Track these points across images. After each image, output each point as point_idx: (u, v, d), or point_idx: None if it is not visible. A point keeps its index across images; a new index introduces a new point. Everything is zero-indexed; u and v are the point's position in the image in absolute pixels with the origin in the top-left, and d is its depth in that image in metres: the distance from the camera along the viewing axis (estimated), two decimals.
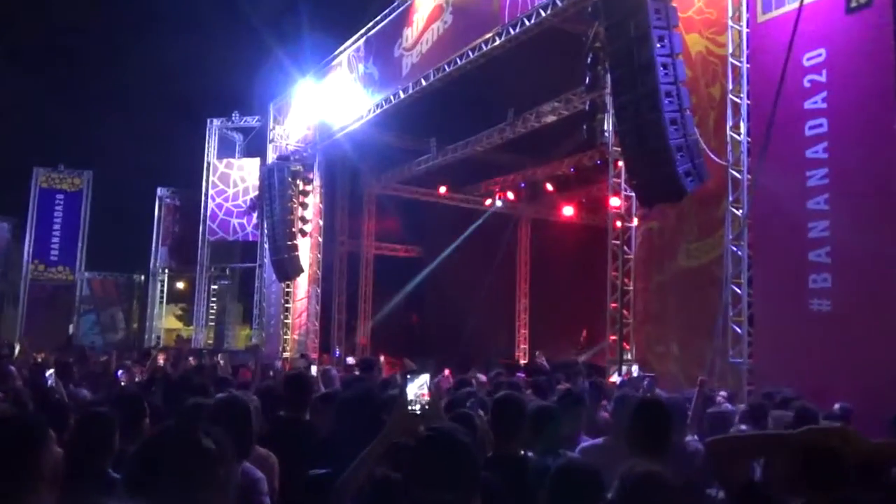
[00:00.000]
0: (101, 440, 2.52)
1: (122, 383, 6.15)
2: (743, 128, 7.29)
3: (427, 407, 1.97)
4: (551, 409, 2.95)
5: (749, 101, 7.21)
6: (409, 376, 2.01)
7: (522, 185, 14.61)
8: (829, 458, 1.61)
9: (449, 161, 13.48)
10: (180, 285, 19.61)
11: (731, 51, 7.45)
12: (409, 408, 1.96)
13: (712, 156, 7.36)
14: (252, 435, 2.62)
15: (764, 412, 4.13)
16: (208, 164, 17.14)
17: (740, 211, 7.17)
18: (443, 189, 15.55)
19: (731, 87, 7.40)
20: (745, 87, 7.28)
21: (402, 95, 11.70)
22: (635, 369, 7.82)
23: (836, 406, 4.64)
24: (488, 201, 15.56)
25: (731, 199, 7.26)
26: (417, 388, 1.98)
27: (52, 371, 5.15)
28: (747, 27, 7.29)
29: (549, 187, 14.08)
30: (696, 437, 3.54)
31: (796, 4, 6.37)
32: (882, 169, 5.95)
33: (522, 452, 2.62)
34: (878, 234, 5.88)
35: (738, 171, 7.27)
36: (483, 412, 3.24)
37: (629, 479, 1.74)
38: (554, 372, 7.60)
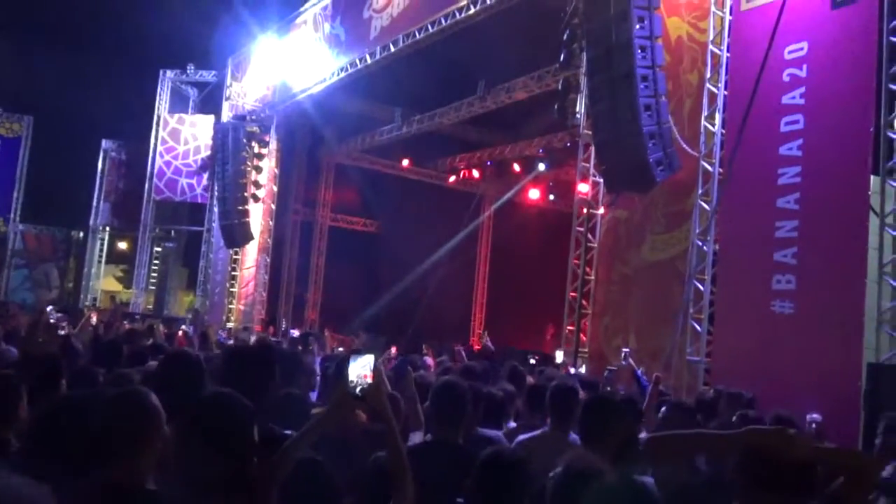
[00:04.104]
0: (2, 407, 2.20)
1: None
2: (718, 119, 7.05)
3: (367, 390, 1.79)
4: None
5: (726, 92, 6.96)
6: (352, 356, 1.85)
7: (489, 163, 14.19)
8: (765, 460, 1.54)
9: (414, 133, 12.98)
10: (122, 245, 18.54)
11: (711, 38, 7.18)
12: (350, 390, 1.79)
13: (685, 146, 7.12)
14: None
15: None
16: (159, 117, 16.09)
17: (709, 205, 6.96)
18: (406, 162, 15.00)
19: (708, 75, 7.14)
20: (723, 77, 7.03)
21: (368, 60, 11.12)
22: (559, 355, 7.71)
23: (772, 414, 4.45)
24: (452, 178, 15.09)
25: (700, 191, 7.04)
26: (360, 369, 1.80)
27: None
28: (730, 14, 7.01)
29: (516, 168, 13.69)
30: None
31: None
32: (855, 171, 5.78)
33: (460, 440, 2.62)
34: (846, 238, 5.72)
35: (710, 164, 7.05)
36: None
37: (565, 471, 1.73)
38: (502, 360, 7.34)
